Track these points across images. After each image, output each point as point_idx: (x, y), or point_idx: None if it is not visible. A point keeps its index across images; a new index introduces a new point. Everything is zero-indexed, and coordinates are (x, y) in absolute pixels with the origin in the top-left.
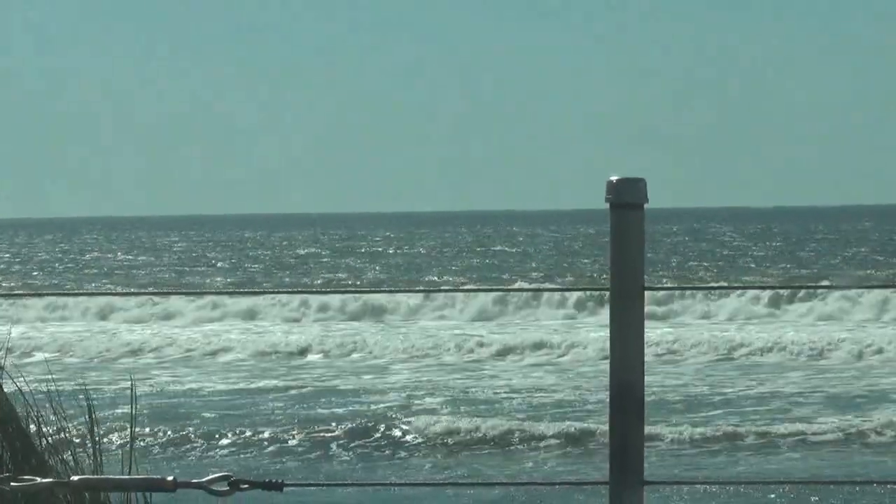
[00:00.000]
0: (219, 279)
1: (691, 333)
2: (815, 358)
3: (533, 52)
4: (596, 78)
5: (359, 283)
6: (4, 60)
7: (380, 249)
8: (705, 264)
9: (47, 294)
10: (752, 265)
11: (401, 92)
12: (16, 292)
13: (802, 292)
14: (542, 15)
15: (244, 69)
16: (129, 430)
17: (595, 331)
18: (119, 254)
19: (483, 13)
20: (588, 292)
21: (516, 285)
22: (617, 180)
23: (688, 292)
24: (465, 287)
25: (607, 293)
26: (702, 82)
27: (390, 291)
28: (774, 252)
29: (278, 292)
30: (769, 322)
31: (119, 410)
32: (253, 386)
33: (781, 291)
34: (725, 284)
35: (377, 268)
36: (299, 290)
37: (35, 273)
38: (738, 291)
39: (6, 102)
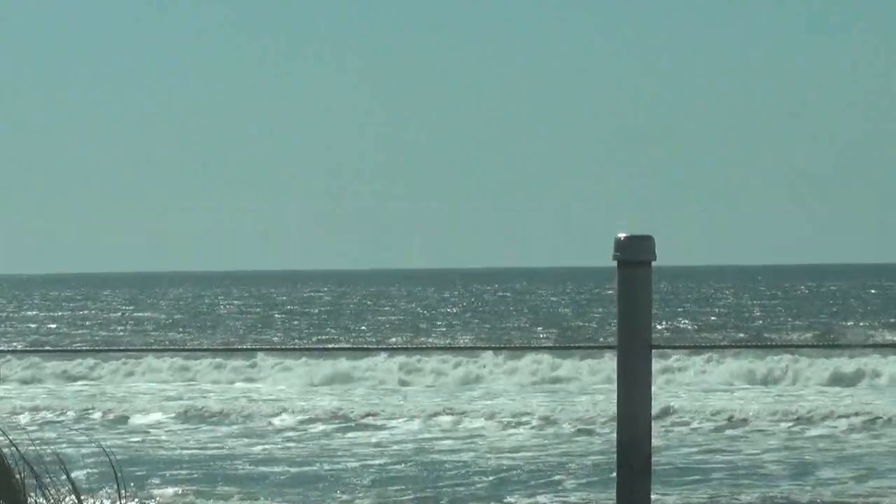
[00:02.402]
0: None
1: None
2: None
3: (534, 103)
4: (601, 130)
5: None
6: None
7: (370, 303)
8: (713, 318)
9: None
10: (796, 323)
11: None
12: None
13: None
14: (553, 62)
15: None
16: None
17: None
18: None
19: (487, 63)
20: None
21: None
22: (625, 237)
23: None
24: (488, 346)
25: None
26: (711, 135)
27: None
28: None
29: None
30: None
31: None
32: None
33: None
34: (737, 343)
35: (364, 326)
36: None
37: None
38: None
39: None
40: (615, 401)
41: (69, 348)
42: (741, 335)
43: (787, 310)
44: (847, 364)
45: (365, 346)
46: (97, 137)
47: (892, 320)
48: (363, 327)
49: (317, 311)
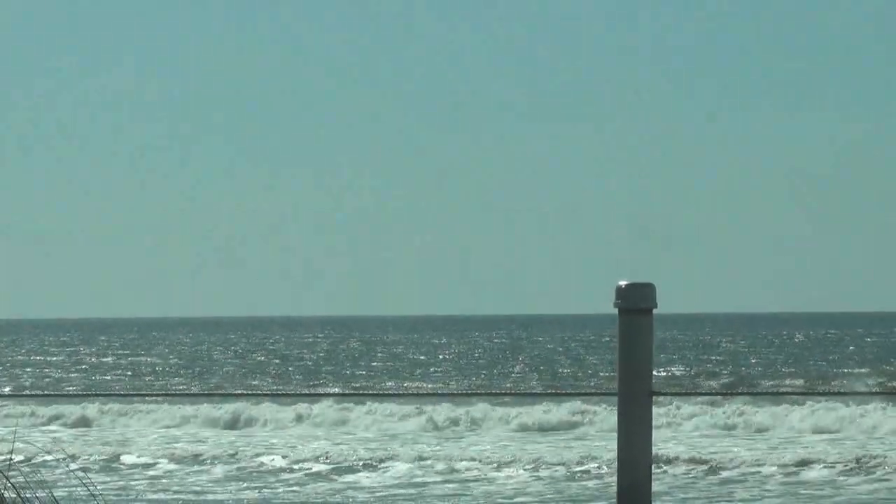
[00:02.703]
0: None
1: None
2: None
3: (535, 153)
4: (602, 179)
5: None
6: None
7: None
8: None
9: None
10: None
11: (398, 195)
12: None
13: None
14: (547, 117)
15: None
16: None
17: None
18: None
19: (485, 117)
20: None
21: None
22: (626, 285)
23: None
24: (493, 391)
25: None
26: (711, 182)
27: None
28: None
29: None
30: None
31: None
32: None
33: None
34: (738, 391)
35: (363, 371)
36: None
37: None
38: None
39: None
40: (615, 447)
41: (62, 393)
42: (740, 383)
43: (786, 356)
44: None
45: (360, 392)
46: (90, 193)
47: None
48: (361, 372)
49: (313, 356)
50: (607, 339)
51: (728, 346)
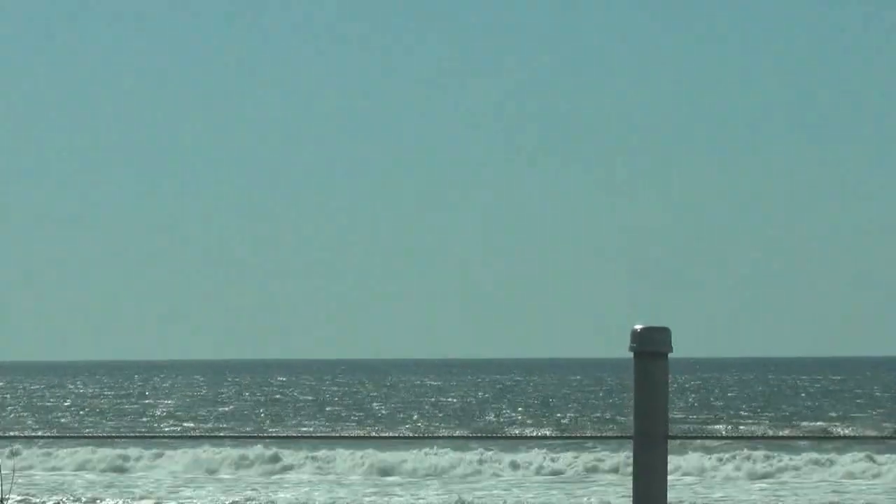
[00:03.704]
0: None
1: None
2: None
3: (547, 194)
4: (615, 222)
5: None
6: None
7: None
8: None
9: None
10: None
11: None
12: None
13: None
14: (557, 157)
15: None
16: None
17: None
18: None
19: (501, 156)
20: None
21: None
22: (641, 329)
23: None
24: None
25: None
26: (727, 227)
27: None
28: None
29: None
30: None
31: None
32: None
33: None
34: (756, 434)
35: (380, 413)
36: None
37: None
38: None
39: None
40: (629, 492)
41: (71, 434)
42: (759, 427)
43: (813, 399)
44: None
45: (364, 435)
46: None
47: None
48: (381, 413)
49: (312, 398)
50: (613, 382)
51: (748, 390)
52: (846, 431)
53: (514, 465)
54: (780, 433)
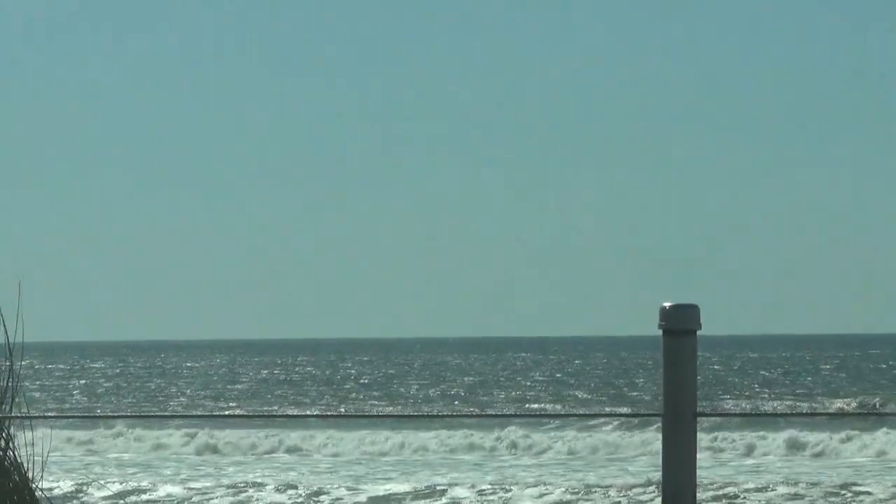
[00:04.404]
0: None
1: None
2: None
3: (568, 172)
4: (643, 204)
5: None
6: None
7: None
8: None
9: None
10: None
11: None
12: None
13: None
14: (584, 137)
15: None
16: None
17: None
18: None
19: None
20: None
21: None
22: (670, 306)
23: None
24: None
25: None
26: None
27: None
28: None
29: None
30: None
31: None
32: None
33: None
34: (785, 411)
35: (412, 391)
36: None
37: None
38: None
39: None
40: (658, 469)
41: (91, 415)
42: (787, 404)
43: (840, 377)
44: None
45: (403, 413)
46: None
47: None
48: (414, 392)
49: (351, 377)
50: (628, 360)
51: (777, 367)
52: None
53: (536, 444)
54: (811, 409)
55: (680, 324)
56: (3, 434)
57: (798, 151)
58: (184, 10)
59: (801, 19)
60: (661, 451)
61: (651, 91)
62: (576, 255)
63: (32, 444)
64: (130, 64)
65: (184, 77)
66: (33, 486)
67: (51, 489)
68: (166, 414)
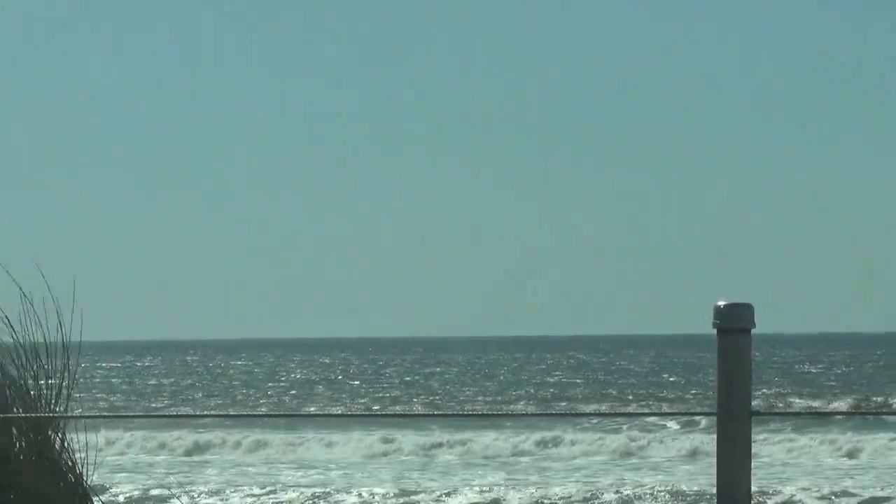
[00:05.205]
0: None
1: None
2: None
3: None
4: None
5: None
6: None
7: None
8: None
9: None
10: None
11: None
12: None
13: None
14: (619, 139)
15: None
16: None
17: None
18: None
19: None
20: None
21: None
22: (724, 305)
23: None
24: (591, 411)
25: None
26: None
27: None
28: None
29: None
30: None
31: None
32: None
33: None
34: (843, 409)
35: (445, 389)
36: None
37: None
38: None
39: None
40: (713, 469)
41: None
42: (843, 403)
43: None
44: None
45: (433, 412)
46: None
47: None
48: (449, 389)
49: (394, 374)
50: (681, 359)
51: (833, 367)
52: None
53: (586, 443)
54: (869, 408)
55: (734, 322)
56: (59, 435)
57: (798, 151)
58: (184, 10)
59: (801, 19)
60: (715, 452)
61: (651, 91)
62: (576, 255)
63: (85, 445)
64: (130, 64)
65: (184, 77)
66: (86, 485)
67: (112, 491)
68: (258, 413)
